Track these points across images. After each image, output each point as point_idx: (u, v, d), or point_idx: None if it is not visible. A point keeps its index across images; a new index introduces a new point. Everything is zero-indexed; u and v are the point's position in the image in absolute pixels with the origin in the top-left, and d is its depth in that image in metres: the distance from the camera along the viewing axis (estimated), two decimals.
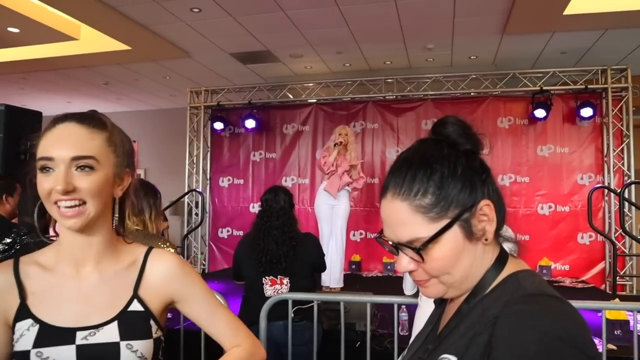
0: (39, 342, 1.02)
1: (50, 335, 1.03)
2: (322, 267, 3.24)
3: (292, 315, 2.85)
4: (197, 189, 7.87)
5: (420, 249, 0.82)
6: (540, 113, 6.72)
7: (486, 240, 0.84)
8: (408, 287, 2.34)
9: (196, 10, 5.48)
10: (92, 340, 1.05)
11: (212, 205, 8.18)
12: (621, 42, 6.43)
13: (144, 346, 1.09)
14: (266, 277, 2.96)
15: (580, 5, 5.35)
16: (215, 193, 8.19)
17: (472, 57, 7.24)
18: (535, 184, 7.01)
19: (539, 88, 6.80)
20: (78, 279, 1.09)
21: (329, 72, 7.92)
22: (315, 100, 7.86)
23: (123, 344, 1.06)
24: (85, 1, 5.15)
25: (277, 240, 2.97)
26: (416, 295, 2.26)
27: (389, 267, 7.03)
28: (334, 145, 5.20)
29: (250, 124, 7.61)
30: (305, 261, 3.05)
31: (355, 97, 7.65)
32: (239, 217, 7.96)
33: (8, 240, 2.84)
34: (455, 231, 0.83)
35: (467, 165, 0.84)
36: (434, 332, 0.96)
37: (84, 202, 1.03)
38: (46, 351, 1.02)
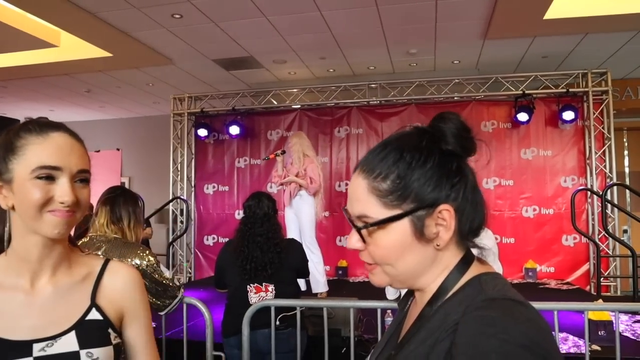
0: None
1: (6, 350, 1.01)
2: (306, 272, 3.21)
3: (277, 322, 2.82)
4: (182, 197, 7.80)
5: (362, 227, 0.82)
6: (523, 117, 6.77)
7: (438, 245, 0.81)
8: (390, 291, 2.32)
9: (177, 16, 5.45)
10: (50, 351, 1.03)
11: (197, 213, 8.12)
12: (601, 46, 6.51)
13: (104, 353, 1.07)
14: (251, 285, 2.92)
15: (560, 9, 5.41)
16: (200, 200, 8.13)
17: (455, 62, 7.29)
18: (520, 187, 7.06)
19: (521, 92, 6.86)
20: (32, 293, 1.07)
21: (312, 77, 7.92)
22: (299, 106, 7.85)
23: (83, 352, 1.05)
24: (64, 7, 5.09)
25: (262, 247, 2.93)
26: (397, 299, 2.24)
27: None
28: (272, 157, 5.77)
29: (234, 130, 7.57)
30: (290, 267, 3.02)
31: (340, 103, 7.65)
32: (224, 224, 7.90)
33: None
34: (405, 225, 0.80)
35: (439, 164, 0.82)
36: (394, 337, 0.93)
37: (74, 212, 1.03)
38: None
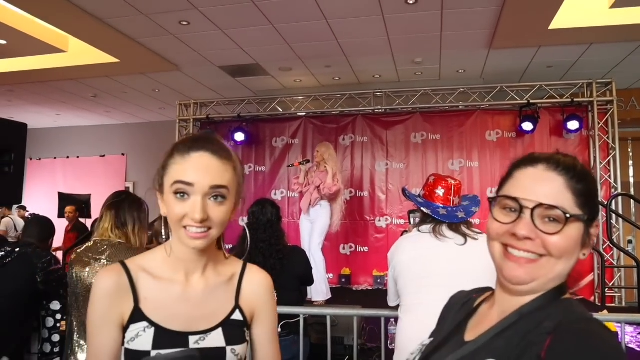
0: (157, 344, 1.11)
1: (167, 338, 1.12)
2: (310, 280, 3.21)
3: (279, 329, 2.82)
4: None
5: (570, 216, 0.86)
6: (527, 126, 6.77)
7: (584, 255, 0.90)
8: (392, 298, 2.32)
9: (185, 23, 5.49)
10: (203, 344, 1.14)
11: None
12: (606, 56, 6.52)
13: (243, 350, 1.20)
14: None
15: (565, 20, 5.42)
16: None
17: (460, 71, 7.31)
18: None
19: (526, 101, 6.86)
20: (187, 287, 1.18)
21: (318, 85, 7.95)
22: (304, 114, 7.87)
23: (228, 348, 1.16)
24: (73, 14, 5.14)
25: (265, 253, 2.94)
26: (397, 307, 2.24)
27: (378, 280, 7.00)
28: (296, 165, 5.80)
29: (239, 137, 7.59)
30: (292, 274, 3.02)
31: (345, 111, 7.66)
32: (228, 230, 7.52)
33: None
34: (580, 227, 0.88)
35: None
36: (455, 334, 0.99)
37: (210, 228, 1.11)
38: (162, 353, 1.11)
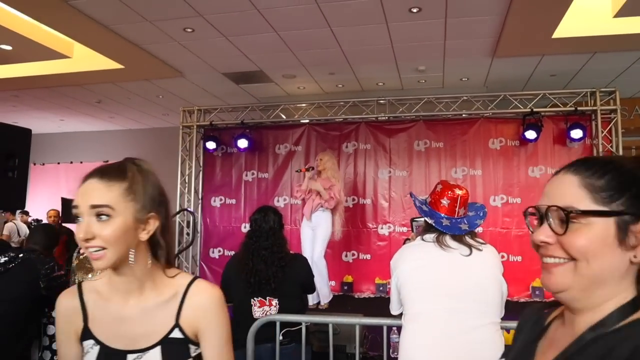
0: None
1: (109, 356, 1.21)
2: (312, 288, 3.21)
3: (281, 337, 2.81)
4: (189, 209, 7.81)
5: (570, 212, 0.83)
6: (531, 134, 6.76)
7: (635, 257, 0.82)
8: (394, 307, 2.31)
9: (189, 30, 5.52)
10: None
11: (203, 225, 8.12)
12: (609, 65, 6.53)
13: None
14: (255, 299, 2.92)
15: (568, 29, 5.43)
16: (207, 213, 8.14)
17: (464, 79, 7.31)
18: (527, 205, 6.90)
19: (529, 110, 6.85)
20: (125, 306, 1.25)
21: (321, 92, 7.97)
22: (307, 121, 7.88)
23: None
24: (78, 20, 5.17)
25: (266, 261, 2.93)
26: (400, 315, 2.23)
27: (381, 288, 6.98)
28: (303, 171, 5.77)
29: (242, 143, 7.60)
30: (294, 282, 3.02)
31: (348, 118, 7.67)
32: (230, 237, 7.89)
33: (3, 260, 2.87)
34: (609, 224, 0.82)
35: None
36: (526, 356, 0.95)
37: (104, 248, 1.16)
38: None
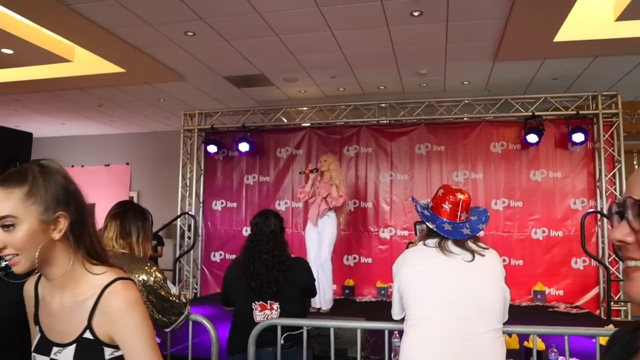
0: (36, 348, 1.30)
1: (42, 344, 1.28)
2: (313, 292, 3.19)
3: (282, 341, 2.79)
4: (190, 212, 7.81)
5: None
6: (532, 138, 6.75)
7: None
8: (396, 311, 2.30)
9: (190, 34, 5.52)
10: (59, 357, 1.25)
11: (204, 229, 8.12)
12: (611, 68, 6.51)
13: None
14: (256, 302, 2.91)
15: (570, 32, 5.42)
16: (208, 216, 8.14)
17: (465, 83, 7.31)
18: (529, 209, 7.01)
19: (531, 113, 6.85)
20: (53, 304, 1.29)
21: (323, 96, 7.97)
22: (309, 124, 7.88)
23: None
24: (79, 23, 5.18)
25: (268, 264, 2.92)
26: (403, 320, 2.22)
27: (382, 291, 6.96)
28: (307, 172, 5.78)
29: (244, 147, 7.60)
30: (295, 286, 3.00)
31: (349, 122, 7.67)
32: (231, 240, 7.89)
33: None
34: None
35: None
36: None
37: (17, 254, 1.18)
38: (37, 357, 1.29)
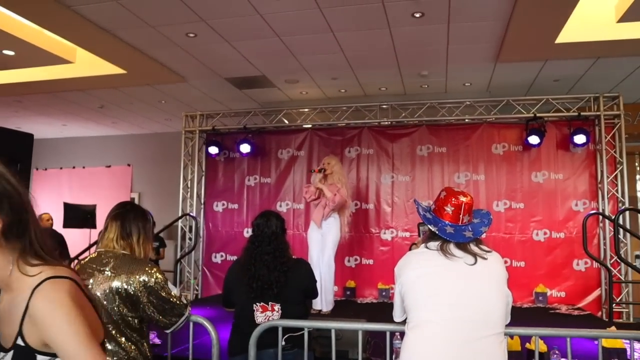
0: None
1: None
2: (314, 293, 3.18)
3: (283, 343, 2.79)
4: (191, 214, 7.81)
5: None
6: (534, 139, 6.74)
7: None
8: (398, 314, 2.29)
9: (192, 35, 5.52)
10: None
11: (205, 230, 8.12)
12: (613, 70, 6.51)
13: None
14: (257, 304, 2.90)
15: (571, 34, 5.42)
16: (209, 218, 8.14)
17: (467, 84, 7.31)
18: (530, 210, 6.99)
19: (532, 115, 6.84)
20: (1, 306, 1.24)
21: (324, 97, 7.97)
22: (310, 126, 7.88)
23: None
24: (81, 25, 5.18)
25: (269, 266, 2.91)
26: (404, 322, 2.21)
27: (383, 293, 6.95)
28: (312, 172, 5.76)
29: (245, 148, 7.60)
30: (296, 287, 2.99)
31: (351, 123, 7.67)
32: (233, 242, 7.88)
33: None
34: None
35: None
36: None
37: None
38: None
